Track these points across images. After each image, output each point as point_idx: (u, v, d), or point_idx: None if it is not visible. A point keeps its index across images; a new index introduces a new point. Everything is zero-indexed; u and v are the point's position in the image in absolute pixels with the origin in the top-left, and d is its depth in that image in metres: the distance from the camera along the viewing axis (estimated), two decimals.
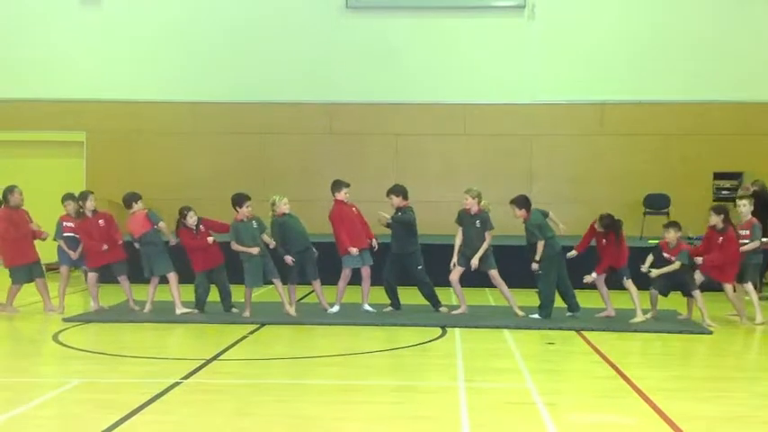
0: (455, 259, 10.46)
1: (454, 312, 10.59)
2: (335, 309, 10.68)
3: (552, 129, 16.87)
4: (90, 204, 10.77)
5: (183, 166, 17.02)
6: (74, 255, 10.97)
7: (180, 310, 10.45)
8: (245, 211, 10.34)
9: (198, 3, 17.26)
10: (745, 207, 10.44)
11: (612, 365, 7.81)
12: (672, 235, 10.12)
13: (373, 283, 10.83)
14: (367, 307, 10.77)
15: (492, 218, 10.51)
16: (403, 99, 16.88)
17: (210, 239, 10.44)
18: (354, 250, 10.51)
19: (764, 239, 10.87)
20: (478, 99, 16.86)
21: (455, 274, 10.46)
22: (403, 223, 10.67)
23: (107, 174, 16.74)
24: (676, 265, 10.01)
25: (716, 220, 10.20)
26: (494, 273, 10.50)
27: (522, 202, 10.36)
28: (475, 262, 10.33)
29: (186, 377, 7.16)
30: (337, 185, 10.82)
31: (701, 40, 16.51)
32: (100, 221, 10.79)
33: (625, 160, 16.62)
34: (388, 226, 10.78)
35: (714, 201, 15.73)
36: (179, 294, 10.52)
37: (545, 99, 16.85)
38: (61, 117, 17.03)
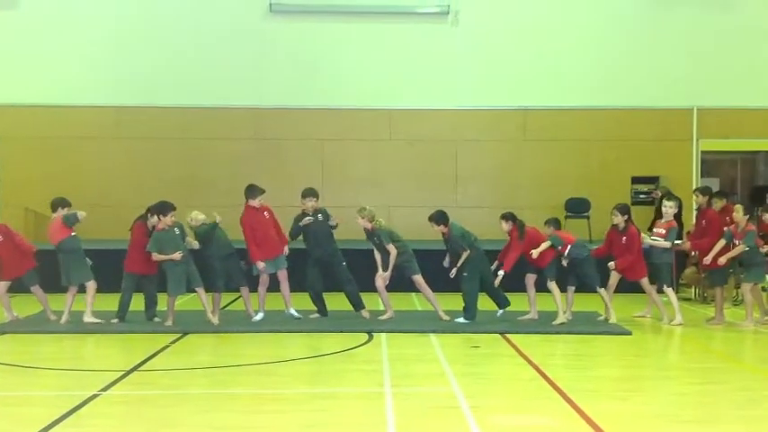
0: (380, 270, 10.51)
1: (381, 318, 10.60)
2: (260, 316, 10.57)
3: (476, 134, 17.07)
4: None
5: (105, 171, 16.62)
6: None
7: (88, 318, 10.15)
8: (168, 220, 10.13)
9: (119, 6, 16.89)
10: (671, 209, 10.81)
11: (536, 367, 7.93)
12: (548, 230, 10.47)
13: (296, 290, 10.78)
14: (293, 311, 10.68)
15: (409, 224, 10.62)
16: (328, 104, 16.85)
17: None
18: (261, 265, 10.43)
19: (677, 242, 11.23)
20: (403, 104, 16.95)
21: (380, 279, 10.50)
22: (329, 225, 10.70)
23: (23, 180, 16.23)
24: (545, 245, 10.27)
25: (620, 219, 10.54)
26: (417, 278, 10.58)
27: (439, 217, 10.49)
28: (386, 275, 10.43)
29: (105, 389, 6.97)
30: (252, 191, 10.63)
31: (620, 49, 16.95)
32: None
33: (547, 165, 16.93)
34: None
35: (632, 204, 16.15)
36: (92, 303, 10.22)
37: (469, 105, 17.04)
38: None
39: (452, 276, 10.33)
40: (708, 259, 10.43)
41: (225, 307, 11.23)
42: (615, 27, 17.01)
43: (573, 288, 10.61)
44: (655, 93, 16.84)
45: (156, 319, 10.36)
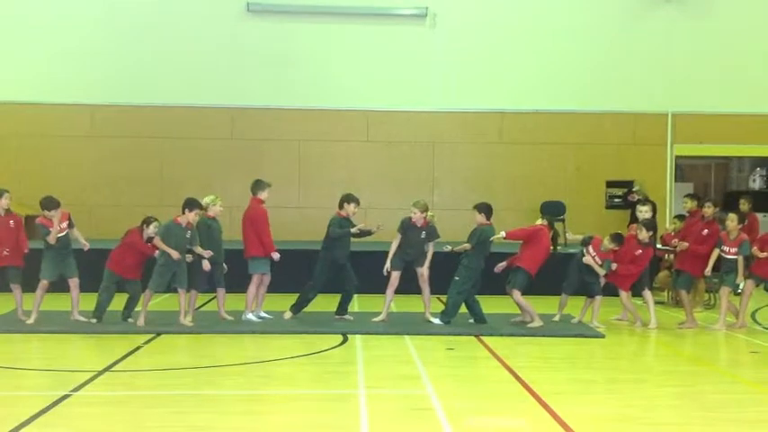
0: (388, 265, 10.43)
1: (375, 320, 10.57)
2: (255, 317, 10.50)
3: (453, 136, 17.12)
4: (4, 203, 10.28)
5: (80, 170, 16.48)
6: None
7: (29, 319, 10.10)
8: (190, 216, 9.99)
9: (94, 5, 16.75)
10: (647, 213, 11.06)
11: (510, 370, 7.96)
12: (610, 246, 10.52)
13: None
14: (250, 316, 10.53)
15: (385, 226, 10.56)
16: (305, 105, 16.84)
17: (157, 253, 10.03)
18: (276, 255, 10.38)
19: (658, 246, 11.37)
20: (381, 106, 16.96)
21: (395, 279, 10.47)
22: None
23: None
24: (599, 270, 10.52)
25: (645, 235, 10.59)
26: (425, 271, 10.49)
27: (484, 208, 10.43)
28: (425, 272, 10.40)
29: (76, 389, 6.91)
30: (261, 185, 10.55)
31: (596, 54, 17.08)
32: (10, 222, 10.34)
33: (523, 168, 17.02)
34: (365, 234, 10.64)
35: (606, 207, 16.39)
36: (39, 304, 10.13)
37: (446, 107, 17.09)
38: None
39: (446, 250, 10.32)
40: (708, 271, 10.67)
41: (199, 308, 11.16)
42: (591, 32, 17.13)
43: (568, 295, 10.83)
44: (630, 97, 16.99)
45: (130, 320, 10.27)
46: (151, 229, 10.06)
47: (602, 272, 10.53)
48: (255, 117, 16.89)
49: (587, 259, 10.53)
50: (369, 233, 10.61)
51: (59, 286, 10.36)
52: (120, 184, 16.40)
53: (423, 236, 10.40)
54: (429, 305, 10.64)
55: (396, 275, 10.48)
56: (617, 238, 10.61)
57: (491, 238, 10.22)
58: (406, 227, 10.48)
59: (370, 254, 11.60)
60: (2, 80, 16.38)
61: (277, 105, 16.81)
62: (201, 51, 16.70)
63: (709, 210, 10.99)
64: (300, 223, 16.16)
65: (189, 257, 10.00)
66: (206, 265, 10.10)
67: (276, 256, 10.42)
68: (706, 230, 10.84)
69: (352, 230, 10.44)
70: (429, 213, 10.48)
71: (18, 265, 10.41)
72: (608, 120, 17.11)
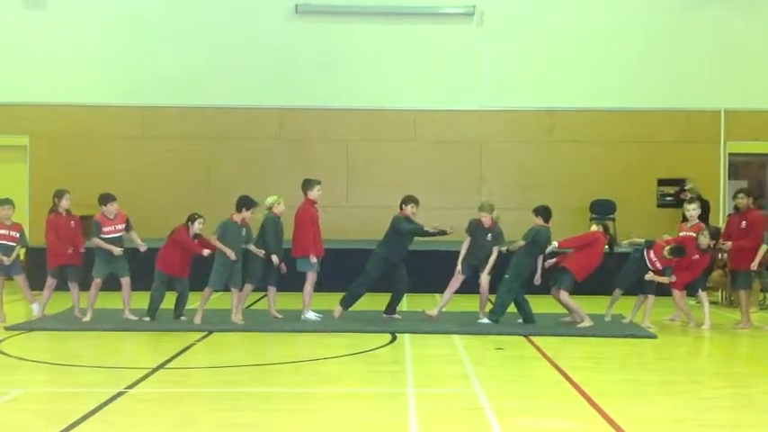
0: (459, 267, 10.48)
1: (428, 313, 10.60)
2: (312, 315, 10.55)
3: (501, 135, 17.00)
4: (65, 203, 10.69)
5: (132, 170, 16.71)
6: (6, 261, 10.72)
7: (85, 317, 10.36)
8: (245, 214, 10.17)
9: (145, 7, 17.02)
10: (695, 211, 10.87)
11: (560, 370, 7.89)
12: (668, 256, 10.32)
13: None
14: (311, 315, 10.64)
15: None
16: (353, 105, 16.87)
17: (206, 252, 10.19)
18: (314, 258, 10.45)
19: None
20: (428, 105, 16.93)
21: (457, 281, 10.50)
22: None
23: (51, 178, 16.34)
24: (663, 279, 10.35)
25: (707, 241, 10.44)
26: (485, 278, 10.48)
27: (543, 211, 10.47)
28: (485, 281, 10.37)
29: (131, 386, 7.04)
30: (310, 183, 10.67)
31: (647, 50, 16.81)
32: (71, 222, 10.72)
33: (572, 166, 16.82)
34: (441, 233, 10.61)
35: (658, 206, 16.12)
36: (94, 301, 10.41)
37: (494, 106, 16.98)
38: (2, 120, 16.63)
39: (504, 251, 10.42)
40: (755, 265, 10.40)
41: (248, 307, 11.28)
42: (642, 28, 16.86)
43: (621, 291, 10.69)
44: (682, 94, 16.69)
45: (183, 318, 10.43)
46: (196, 226, 10.23)
47: (666, 281, 10.38)
48: (303, 117, 16.98)
49: (655, 277, 10.36)
50: (443, 233, 10.54)
51: (111, 285, 10.56)
52: (170, 185, 16.63)
53: (489, 237, 10.40)
54: (484, 308, 10.61)
55: (460, 279, 10.49)
56: (677, 251, 10.31)
57: (546, 250, 10.18)
58: (474, 228, 10.49)
59: (420, 253, 11.58)
60: (56, 83, 16.68)
61: (325, 105, 16.88)
62: (250, 53, 16.85)
63: (743, 201, 10.78)
64: (348, 222, 16.23)
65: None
66: (276, 261, 10.24)
67: (314, 259, 10.46)
68: (744, 222, 10.63)
69: (430, 230, 10.44)
70: (495, 213, 10.49)
71: (77, 264, 10.73)
72: (659, 117, 16.83)
